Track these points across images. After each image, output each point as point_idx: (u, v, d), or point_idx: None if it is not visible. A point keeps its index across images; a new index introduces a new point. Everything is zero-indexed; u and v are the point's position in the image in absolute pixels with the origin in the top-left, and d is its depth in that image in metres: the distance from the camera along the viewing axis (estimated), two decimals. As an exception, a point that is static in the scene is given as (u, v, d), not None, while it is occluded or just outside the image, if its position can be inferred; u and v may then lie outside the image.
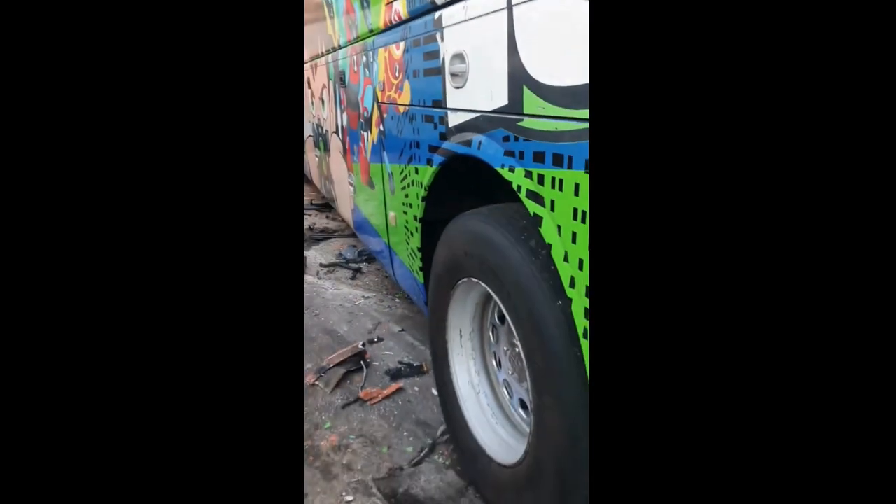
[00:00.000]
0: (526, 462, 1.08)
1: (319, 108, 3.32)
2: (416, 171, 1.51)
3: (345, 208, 2.98)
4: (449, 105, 1.22)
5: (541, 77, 0.84)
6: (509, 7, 0.90)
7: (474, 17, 1.04)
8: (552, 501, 0.97)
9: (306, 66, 3.64)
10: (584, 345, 0.82)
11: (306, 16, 3.40)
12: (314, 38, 3.22)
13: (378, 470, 1.44)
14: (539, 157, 0.86)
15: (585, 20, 0.71)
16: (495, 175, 1.01)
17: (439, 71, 1.25)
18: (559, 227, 0.83)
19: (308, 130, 4.00)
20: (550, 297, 0.90)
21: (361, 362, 1.95)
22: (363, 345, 2.07)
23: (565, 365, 0.88)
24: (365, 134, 2.12)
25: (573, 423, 0.88)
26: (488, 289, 1.14)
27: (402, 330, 2.26)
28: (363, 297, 2.62)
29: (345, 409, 1.71)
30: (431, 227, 1.51)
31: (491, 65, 0.99)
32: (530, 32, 0.86)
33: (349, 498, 1.35)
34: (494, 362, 1.40)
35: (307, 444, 1.55)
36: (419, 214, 1.54)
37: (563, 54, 0.78)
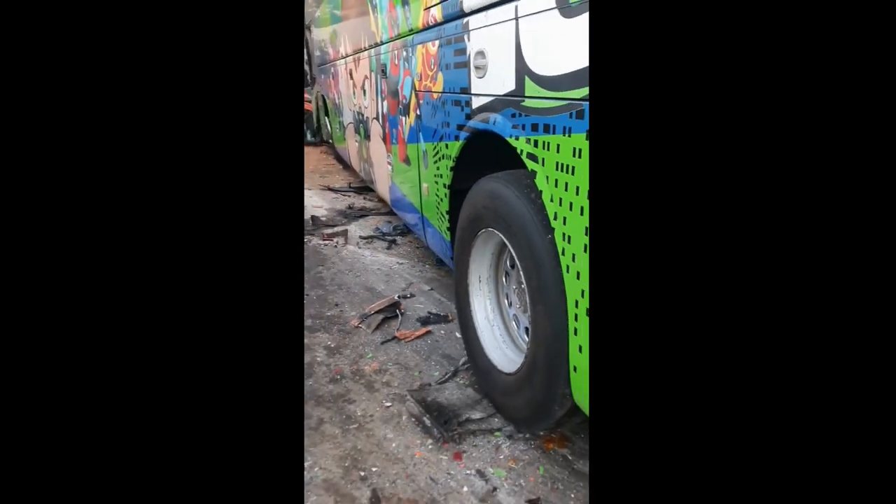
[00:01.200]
0: (525, 364, 1.41)
1: (361, 98, 3.69)
2: (447, 146, 1.85)
3: (383, 187, 3.34)
4: (473, 91, 1.55)
5: (537, 69, 1.16)
6: (516, 18, 1.23)
7: (492, 24, 1.37)
8: (543, 386, 1.30)
9: (349, 58, 4.00)
10: (563, 262, 1.15)
11: (348, 11, 3.75)
12: (356, 34, 3.58)
13: (411, 386, 1.80)
14: (535, 128, 1.18)
15: (567, 31, 1.03)
16: (505, 144, 1.34)
17: (466, 64, 1.58)
18: (547, 177, 1.16)
19: (348, 118, 4.39)
20: (542, 231, 1.22)
21: (397, 311, 2.32)
22: (398, 297, 2.43)
23: (551, 279, 1.21)
24: (403, 118, 2.47)
25: (557, 322, 1.21)
26: (501, 235, 1.48)
27: (432, 289, 2.61)
28: (398, 262, 2.99)
29: (383, 345, 2.08)
30: (457, 194, 1.85)
31: (503, 60, 1.32)
32: (530, 37, 1.19)
33: (388, 404, 1.71)
34: (506, 301, 1.73)
35: (353, 368, 1.92)
36: (448, 182, 1.88)
37: (551, 53, 1.10)
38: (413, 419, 1.62)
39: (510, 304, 1.71)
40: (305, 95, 8.23)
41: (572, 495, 1.33)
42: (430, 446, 1.50)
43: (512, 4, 1.24)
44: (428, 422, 1.59)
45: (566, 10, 1.03)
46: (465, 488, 1.35)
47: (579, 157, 1.03)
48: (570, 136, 1.05)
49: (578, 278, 1.10)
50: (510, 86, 1.29)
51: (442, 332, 2.18)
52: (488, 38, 1.41)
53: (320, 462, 1.44)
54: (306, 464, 1.43)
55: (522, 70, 1.23)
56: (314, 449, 1.49)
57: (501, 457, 1.46)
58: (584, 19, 0.97)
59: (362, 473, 1.40)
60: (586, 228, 1.04)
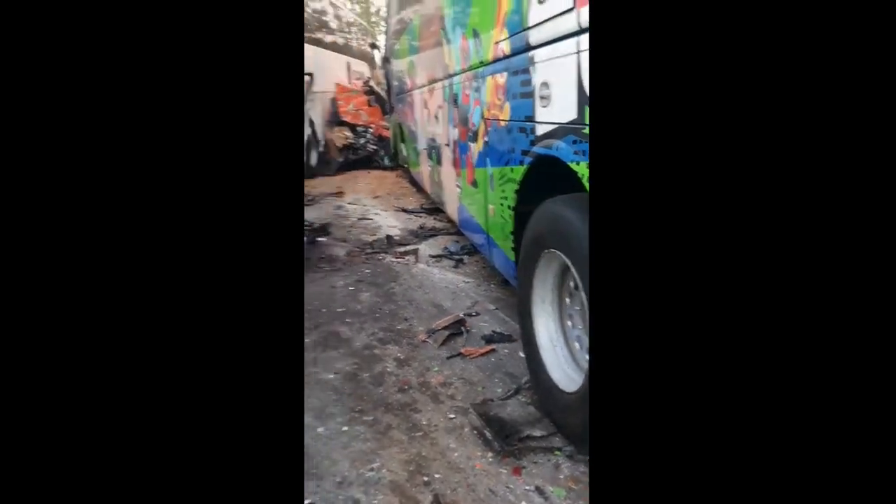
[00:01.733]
0: (583, 384, 1.44)
1: (434, 125, 3.89)
2: (512, 170, 1.94)
3: (452, 209, 3.48)
4: (537, 119, 1.64)
5: (596, 99, 1.23)
6: (578, 52, 1.31)
7: (555, 58, 1.45)
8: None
9: (424, 88, 4.24)
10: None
11: (424, 43, 3.99)
12: (431, 65, 3.80)
13: (474, 400, 1.87)
14: (594, 154, 1.24)
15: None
16: (566, 169, 1.41)
17: (531, 94, 1.67)
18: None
19: (422, 145, 4.61)
20: (602, 253, 1.27)
21: (462, 328, 2.41)
22: (463, 315, 2.52)
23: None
24: (472, 144, 2.59)
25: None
26: (563, 256, 1.52)
27: (497, 308, 2.67)
28: (464, 281, 3.08)
29: (449, 360, 2.17)
30: (521, 215, 1.92)
31: (565, 90, 1.39)
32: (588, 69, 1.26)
33: (451, 415, 1.79)
34: (569, 322, 1.76)
35: (420, 380, 2.02)
36: (512, 204, 1.96)
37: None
38: (475, 432, 1.68)
39: (573, 325, 1.74)
40: (383, 122, 8.71)
41: (632, 518, 1.32)
42: (490, 459, 1.56)
43: (574, 39, 1.32)
44: (489, 435, 1.65)
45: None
46: (524, 503, 1.39)
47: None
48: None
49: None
50: (572, 114, 1.36)
51: (506, 350, 2.23)
52: (552, 70, 1.49)
53: (388, 465, 1.54)
54: (374, 465, 1.53)
55: (583, 100, 1.29)
56: (382, 452, 1.60)
57: (561, 476, 1.48)
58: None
59: (426, 479, 1.48)
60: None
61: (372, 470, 1.52)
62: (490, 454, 1.57)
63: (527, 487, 1.43)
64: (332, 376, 2.06)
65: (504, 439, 1.62)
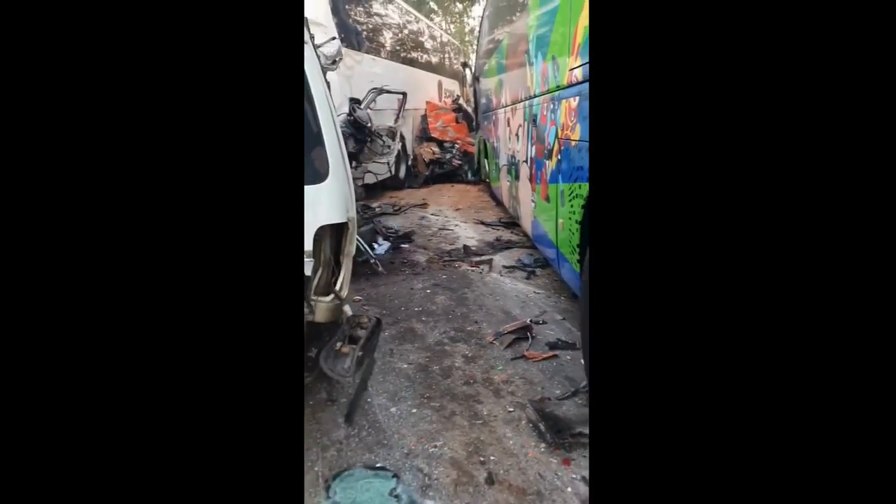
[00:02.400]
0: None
1: (514, 143, 4.08)
2: (580, 186, 2.08)
3: (527, 223, 3.64)
4: (602, 141, 1.78)
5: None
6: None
7: (619, 86, 1.60)
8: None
9: (508, 108, 4.45)
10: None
11: (510, 65, 4.21)
12: (515, 86, 4.01)
13: (533, 397, 2.01)
14: (647, 174, 1.37)
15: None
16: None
17: (598, 118, 1.82)
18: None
19: (503, 161, 4.82)
20: (651, 264, 1.39)
21: (528, 334, 2.55)
22: (530, 321, 2.67)
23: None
24: (547, 162, 2.76)
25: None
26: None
27: (564, 319, 2.79)
28: (534, 292, 3.22)
29: (512, 361, 2.33)
30: (586, 229, 2.05)
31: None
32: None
33: (510, 409, 1.95)
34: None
35: (484, 376, 2.21)
36: (579, 219, 2.10)
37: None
38: (531, 424, 1.83)
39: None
40: (469, 139, 9.05)
41: (672, 515, 1.40)
42: (542, 449, 1.70)
43: (634, 71, 1.46)
44: (543, 428, 1.79)
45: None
46: (570, 489, 1.52)
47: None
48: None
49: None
50: (630, 138, 1.50)
51: (568, 357, 2.35)
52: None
53: (449, 444, 1.74)
54: (438, 443, 1.74)
55: (640, 125, 1.43)
56: (445, 433, 1.80)
57: (607, 470, 1.59)
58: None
59: (482, 459, 1.66)
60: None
61: (435, 447, 1.73)
62: (543, 445, 1.72)
63: (573, 476, 1.56)
64: (405, 366, 2.30)
65: (557, 433, 1.75)
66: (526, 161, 3.51)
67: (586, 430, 1.77)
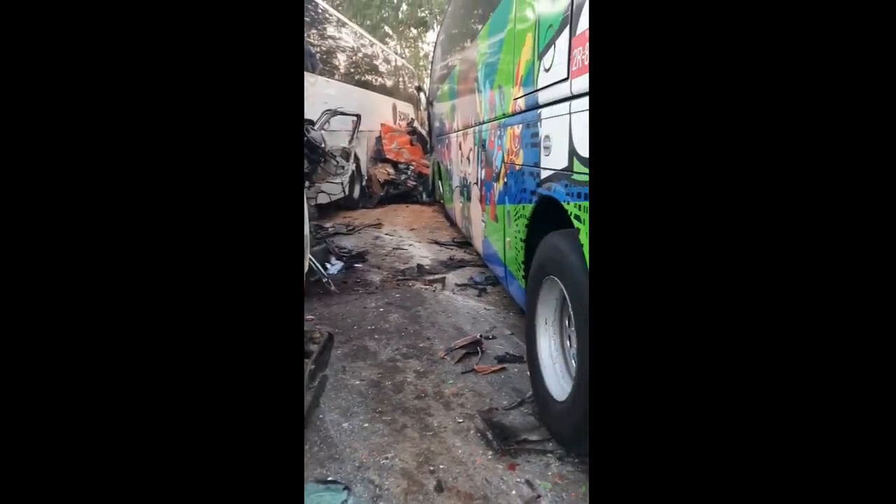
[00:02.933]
0: (572, 392, 1.66)
1: (466, 166, 4.24)
2: (523, 207, 2.22)
3: (478, 242, 3.78)
4: (542, 166, 1.93)
5: (581, 151, 1.51)
6: (570, 114, 1.60)
7: (555, 116, 1.76)
8: (583, 410, 1.55)
9: (460, 132, 4.63)
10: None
11: (461, 91, 4.39)
12: (466, 112, 4.19)
13: (481, 408, 2.10)
14: (579, 195, 1.52)
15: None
16: (561, 207, 1.68)
17: (538, 145, 1.97)
18: (588, 234, 1.47)
19: (456, 183, 4.98)
20: (586, 278, 1.52)
21: (478, 348, 2.65)
22: (480, 336, 2.77)
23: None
24: (495, 184, 2.91)
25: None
26: (559, 281, 1.78)
27: (512, 333, 2.90)
28: (485, 308, 3.34)
29: (463, 375, 2.41)
30: (530, 248, 2.19)
31: (560, 143, 1.68)
32: (577, 128, 1.55)
33: (460, 420, 2.02)
34: (568, 342, 1.99)
35: (435, 390, 2.27)
36: (523, 238, 2.24)
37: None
38: (479, 434, 1.91)
39: (571, 345, 1.96)
40: (424, 160, 9.22)
41: (607, 512, 1.51)
42: (489, 456, 1.78)
43: (566, 103, 1.62)
44: (490, 437, 1.87)
45: (599, 111, 1.38)
46: (514, 492, 1.60)
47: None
48: (600, 203, 1.37)
49: (606, 314, 1.37)
50: (564, 163, 1.65)
51: (516, 369, 2.46)
52: (552, 126, 1.79)
53: (400, 455, 1.79)
54: (389, 455, 1.78)
55: (572, 152, 1.58)
56: (397, 445, 1.85)
57: (550, 473, 1.69)
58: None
59: (432, 468, 1.72)
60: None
61: (386, 458, 1.77)
62: (490, 453, 1.80)
63: (518, 480, 1.65)
64: (358, 382, 2.34)
65: (503, 441, 1.84)
66: (476, 183, 3.66)
67: (531, 437, 1.87)
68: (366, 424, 1.99)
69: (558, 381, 1.92)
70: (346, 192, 7.00)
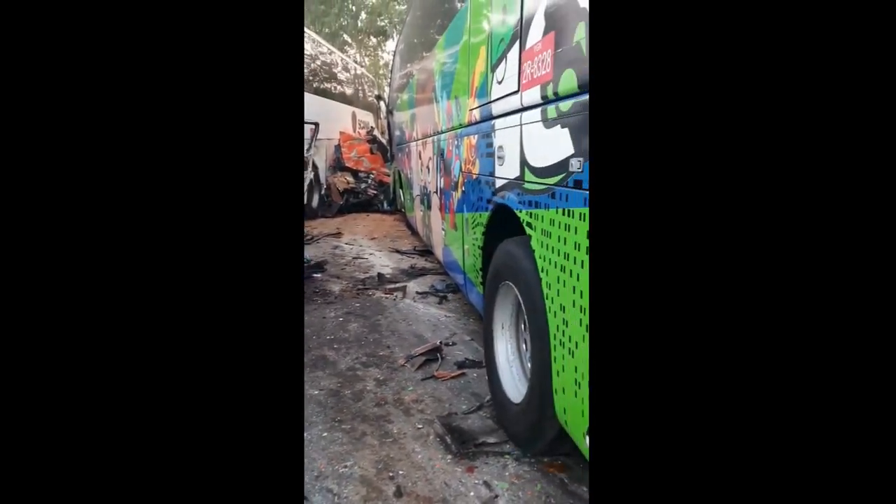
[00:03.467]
0: (527, 393, 1.71)
1: (426, 175, 4.28)
2: (480, 216, 2.28)
3: (438, 250, 3.82)
4: (496, 175, 1.99)
5: (531, 162, 1.58)
6: (521, 125, 1.67)
7: (507, 127, 1.82)
8: (538, 409, 1.60)
9: (419, 141, 4.67)
10: (546, 304, 1.48)
11: (420, 101, 4.44)
12: (425, 121, 4.23)
13: (441, 413, 2.12)
14: (530, 203, 1.58)
15: (547, 137, 1.44)
16: (514, 215, 1.74)
17: (492, 155, 2.03)
18: (538, 240, 1.53)
19: (416, 191, 5.01)
20: (537, 282, 1.58)
21: (438, 355, 2.68)
22: (440, 342, 2.80)
23: (543, 320, 1.54)
24: (454, 193, 2.96)
25: (545, 356, 1.53)
26: (514, 286, 1.83)
27: (472, 339, 2.95)
28: (446, 315, 3.37)
29: (423, 381, 2.43)
30: (487, 255, 2.25)
31: (513, 153, 1.75)
32: (527, 139, 1.62)
33: (419, 426, 2.04)
34: (524, 346, 2.04)
35: (395, 397, 2.28)
36: (481, 245, 2.29)
37: (538, 151, 1.51)
38: (438, 439, 1.93)
39: (527, 349, 2.02)
40: (384, 169, 9.22)
41: (561, 508, 1.56)
42: (448, 460, 1.80)
43: (518, 115, 1.69)
44: (449, 441, 1.90)
45: (546, 122, 1.45)
46: (472, 493, 1.63)
47: (554, 225, 1.40)
48: (548, 210, 1.43)
49: (555, 315, 1.43)
50: (516, 173, 1.71)
51: (475, 374, 2.50)
52: (505, 137, 1.86)
53: (359, 463, 1.79)
54: (348, 463, 1.78)
55: (523, 162, 1.65)
56: (356, 453, 1.84)
57: (507, 473, 1.73)
58: (558, 129, 1.38)
59: (391, 474, 1.73)
60: (558, 277, 1.39)
61: (346, 467, 1.77)
62: (449, 456, 1.82)
63: (476, 482, 1.68)
64: (316, 392, 2.31)
65: (462, 444, 1.87)
66: (436, 192, 3.71)
67: (489, 440, 1.90)
68: (325, 434, 1.98)
69: (515, 383, 1.97)
70: (305, 201, 6.91)
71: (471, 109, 2.44)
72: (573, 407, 1.36)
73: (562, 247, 1.35)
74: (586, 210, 1.20)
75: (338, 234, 6.54)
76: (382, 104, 9.15)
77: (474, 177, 2.40)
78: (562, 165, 1.33)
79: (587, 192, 1.19)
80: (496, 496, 1.61)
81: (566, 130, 1.31)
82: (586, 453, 1.32)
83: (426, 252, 5.21)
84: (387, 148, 9.04)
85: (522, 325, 2.04)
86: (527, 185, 1.62)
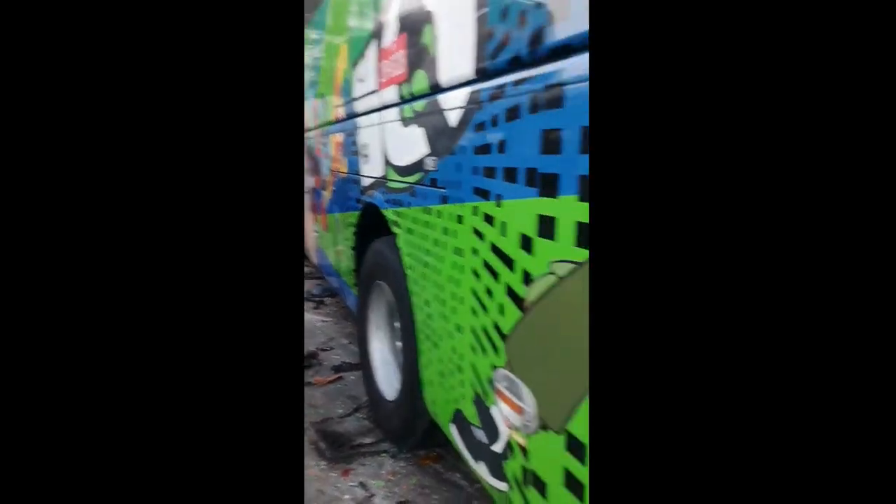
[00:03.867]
0: (400, 389, 1.73)
1: (297, 174, 4.10)
2: (350, 216, 2.25)
3: (312, 252, 3.69)
4: (362, 174, 1.98)
5: (393, 160, 1.60)
6: (382, 124, 1.68)
7: (370, 126, 1.82)
8: (409, 403, 1.62)
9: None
10: (412, 297, 1.51)
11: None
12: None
13: (315, 420, 2.05)
14: (394, 202, 1.59)
15: (406, 136, 1.47)
16: (381, 214, 1.75)
17: (357, 153, 2.02)
18: (404, 238, 1.55)
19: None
20: (404, 276, 1.60)
21: (314, 361, 2.59)
22: (316, 349, 2.71)
23: (409, 315, 1.57)
24: (324, 193, 2.88)
25: (413, 350, 1.56)
26: (386, 285, 1.84)
27: (350, 342, 2.90)
28: (322, 320, 3.27)
29: (297, 389, 2.33)
30: (359, 254, 2.23)
31: (376, 152, 1.75)
32: (388, 138, 1.63)
33: (293, 436, 1.96)
34: (398, 344, 2.06)
35: (267, 409, 2.16)
36: (353, 245, 2.26)
37: (398, 149, 1.53)
38: (312, 445, 1.87)
39: (402, 346, 2.04)
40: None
41: (436, 497, 1.61)
42: (322, 466, 1.75)
43: (378, 114, 1.70)
44: (324, 447, 1.84)
45: (404, 120, 1.47)
46: (348, 496, 1.60)
47: (417, 223, 1.43)
48: (410, 207, 1.46)
49: (420, 310, 1.46)
50: (380, 171, 1.72)
51: (352, 377, 2.46)
52: (368, 135, 1.86)
53: (224, 484, 1.66)
54: (211, 486, 1.64)
55: (386, 160, 1.66)
56: (220, 474, 1.71)
57: (383, 472, 1.73)
58: (414, 128, 1.41)
59: (260, 491, 1.63)
60: (422, 273, 1.42)
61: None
62: (323, 462, 1.77)
63: (351, 484, 1.66)
64: (175, 413, 2.10)
65: (337, 449, 1.83)
66: (308, 192, 3.57)
67: (365, 441, 1.89)
68: (184, 458, 1.80)
69: (390, 382, 1.98)
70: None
71: (336, 107, 2.40)
72: (440, 398, 1.41)
73: (423, 243, 1.38)
74: (441, 207, 1.24)
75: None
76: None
77: (343, 176, 2.36)
78: (419, 164, 1.37)
79: (442, 191, 1.23)
80: (372, 495, 1.61)
81: (422, 130, 1.35)
82: (454, 442, 1.37)
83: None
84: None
85: (397, 324, 2.05)
86: (390, 184, 1.63)
